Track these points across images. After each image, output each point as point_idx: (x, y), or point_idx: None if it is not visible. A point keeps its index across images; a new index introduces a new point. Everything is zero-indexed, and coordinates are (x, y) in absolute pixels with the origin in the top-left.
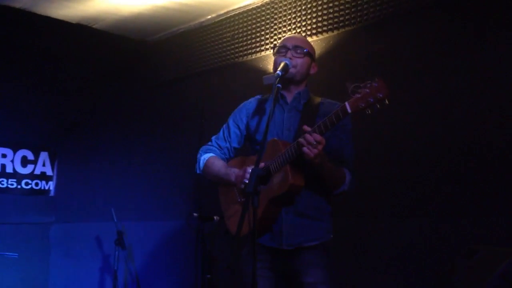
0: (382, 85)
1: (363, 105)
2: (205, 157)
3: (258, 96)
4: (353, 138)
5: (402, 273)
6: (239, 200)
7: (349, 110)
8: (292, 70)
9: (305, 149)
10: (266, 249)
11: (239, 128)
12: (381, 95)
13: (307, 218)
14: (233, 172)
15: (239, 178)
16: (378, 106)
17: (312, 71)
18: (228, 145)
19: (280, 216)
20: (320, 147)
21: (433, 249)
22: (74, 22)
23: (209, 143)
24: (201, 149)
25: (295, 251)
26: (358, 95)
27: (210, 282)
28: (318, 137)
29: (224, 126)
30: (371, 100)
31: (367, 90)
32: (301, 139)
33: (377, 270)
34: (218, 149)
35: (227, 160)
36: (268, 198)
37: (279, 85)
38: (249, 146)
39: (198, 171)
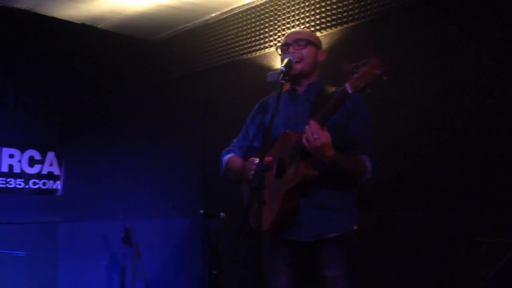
0: (379, 61)
1: (362, 84)
2: (226, 158)
3: (273, 94)
4: (372, 125)
5: (406, 264)
6: None
7: (349, 91)
8: (298, 65)
9: (303, 140)
10: (287, 242)
11: (256, 127)
12: (378, 72)
13: (327, 209)
14: (245, 166)
15: (247, 171)
16: (377, 82)
17: (320, 59)
18: (248, 144)
19: (299, 208)
20: (318, 142)
21: (437, 241)
22: (79, 22)
23: (230, 144)
24: (223, 151)
25: (316, 244)
26: (357, 75)
27: (216, 278)
28: (316, 132)
29: (244, 127)
30: (370, 77)
31: (365, 68)
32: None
33: (383, 261)
34: (239, 149)
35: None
36: (284, 190)
37: (282, 81)
38: None
39: (222, 173)
